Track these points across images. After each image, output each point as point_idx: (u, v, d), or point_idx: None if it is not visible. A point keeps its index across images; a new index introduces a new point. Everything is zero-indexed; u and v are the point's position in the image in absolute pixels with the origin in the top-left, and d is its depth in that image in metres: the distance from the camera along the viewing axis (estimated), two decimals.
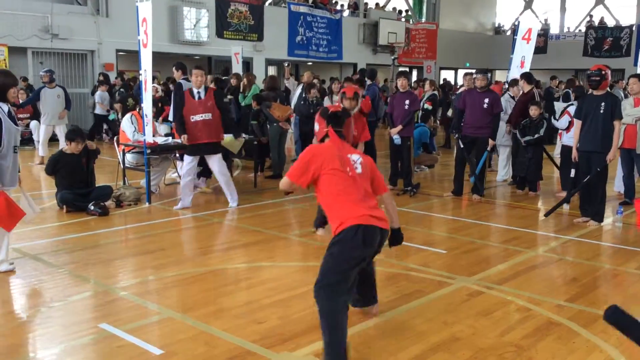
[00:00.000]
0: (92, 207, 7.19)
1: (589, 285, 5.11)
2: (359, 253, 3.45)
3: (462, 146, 8.51)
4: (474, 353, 3.74)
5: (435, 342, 3.87)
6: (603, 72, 6.84)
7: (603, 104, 6.83)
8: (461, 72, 22.12)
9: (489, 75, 9.20)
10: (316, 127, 3.90)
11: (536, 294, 4.81)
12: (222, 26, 18.12)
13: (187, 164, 7.65)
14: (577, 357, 3.73)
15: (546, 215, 7.46)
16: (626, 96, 11.00)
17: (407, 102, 8.60)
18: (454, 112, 11.38)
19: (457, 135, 8.67)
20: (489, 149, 8.37)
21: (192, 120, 7.37)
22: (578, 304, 4.61)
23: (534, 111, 8.86)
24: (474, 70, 9.55)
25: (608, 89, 7.14)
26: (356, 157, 3.68)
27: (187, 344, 3.79)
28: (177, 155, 8.77)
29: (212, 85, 13.14)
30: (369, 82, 10.97)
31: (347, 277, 3.45)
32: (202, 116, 7.37)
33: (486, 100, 8.24)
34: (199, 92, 7.42)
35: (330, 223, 3.58)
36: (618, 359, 3.72)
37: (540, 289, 4.97)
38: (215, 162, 7.62)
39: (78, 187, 7.42)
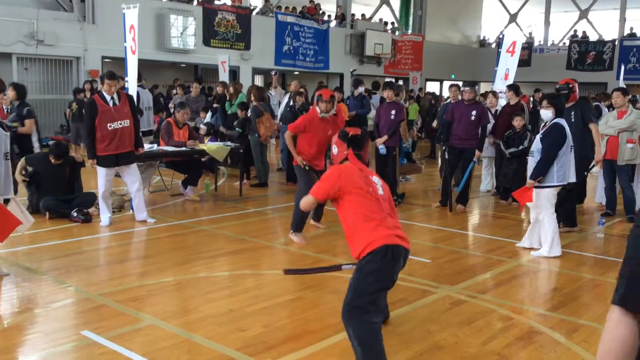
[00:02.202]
0: (75, 214, 7.14)
1: (570, 295, 5.15)
2: (388, 273, 3.43)
3: (446, 157, 8.57)
4: None
5: (419, 351, 3.89)
6: (570, 85, 7.35)
7: (573, 112, 7.19)
8: (447, 84, 22.29)
9: (477, 88, 9.24)
10: (335, 149, 3.89)
11: (518, 303, 4.85)
12: (209, 34, 18.09)
13: (107, 180, 6.99)
14: None
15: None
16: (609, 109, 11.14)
17: (393, 112, 8.64)
18: (438, 123, 11.46)
19: (444, 147, 8.73)
20: (474, 159, 8.44)
21: (109, 128, 6.75)
22: (560, 313, 4.65)
23: (517, 122, 8.94)
24: (460, 82, 9.62)
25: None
26: (376, 180, 3.68)
27: (170, 352, 3.76)
28: (163, 162, 8.75)
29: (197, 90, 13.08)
30: (359, 90, 10.95)
31: (378, 298, 3.47)
32: (120, 123, 6.81)
33: (474, 113, 8.32)
34: (113, 98, 6.82)
35: (353, 243, 3.51)
36: None
37: (522, 298, 5.02)
38: (132, 172, 7.17)
39: (57, 194, 7.34)
